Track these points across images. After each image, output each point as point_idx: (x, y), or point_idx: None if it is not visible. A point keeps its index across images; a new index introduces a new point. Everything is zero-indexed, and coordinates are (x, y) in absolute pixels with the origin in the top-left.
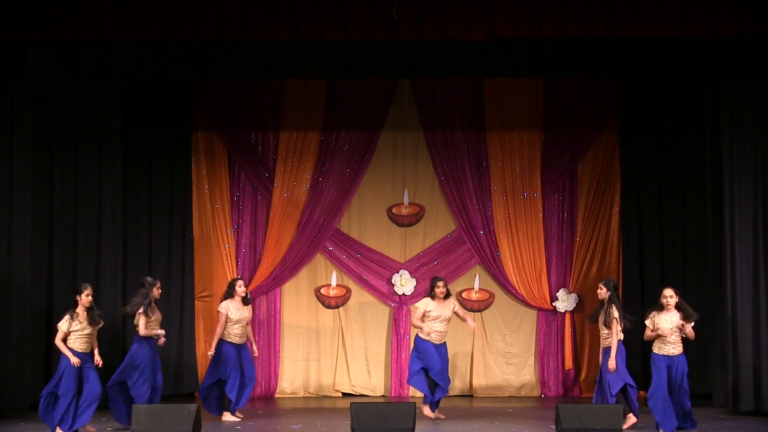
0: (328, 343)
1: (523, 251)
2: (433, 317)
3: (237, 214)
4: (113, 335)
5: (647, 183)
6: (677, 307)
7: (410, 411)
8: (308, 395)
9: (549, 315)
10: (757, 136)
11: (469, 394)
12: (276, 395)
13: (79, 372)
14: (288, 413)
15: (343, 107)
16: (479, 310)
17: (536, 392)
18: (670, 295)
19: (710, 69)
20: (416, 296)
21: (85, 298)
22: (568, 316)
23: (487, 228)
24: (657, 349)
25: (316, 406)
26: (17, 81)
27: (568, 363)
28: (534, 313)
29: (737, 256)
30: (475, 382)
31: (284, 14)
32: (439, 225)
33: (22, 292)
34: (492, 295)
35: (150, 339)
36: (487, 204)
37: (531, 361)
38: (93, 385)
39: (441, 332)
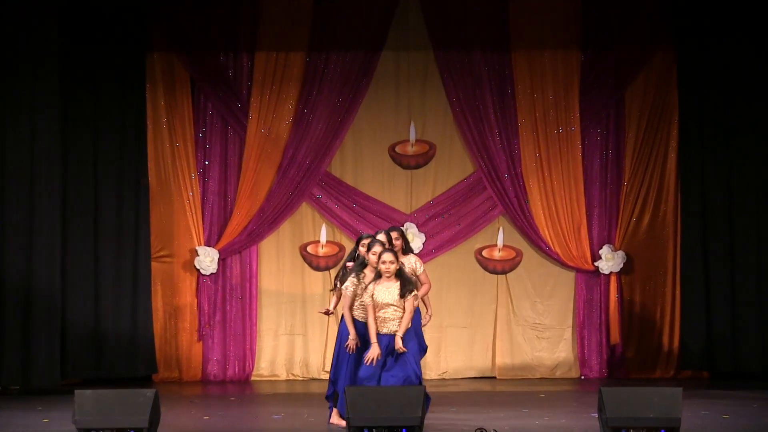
0: (317, 314)
1: (557, 199)
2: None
3: (203, 155)
4: (49, 304)
5: (711, 113)
6: (396, 275)
7: (418, 397)
8: (292, 377)
9: (590, 277)
10: None
11: (490, 376)
12: (252, 378)
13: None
14: (267, 400)
15: (335, 22)
16: (503, 272)
17: (574, 373)
18: (390, 260)
19: None
20: (425, 255)
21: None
22: (613, 278)
23: (513, 170)
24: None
25: (302, 390)
26: None
27: (614, 337)
28: (571, 275)
29: None
30: (499, 361)
31: None
32: (454, 167)
33: None
34: (519, 254)
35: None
36: (513, 141)
37: (568, 334)
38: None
39: None
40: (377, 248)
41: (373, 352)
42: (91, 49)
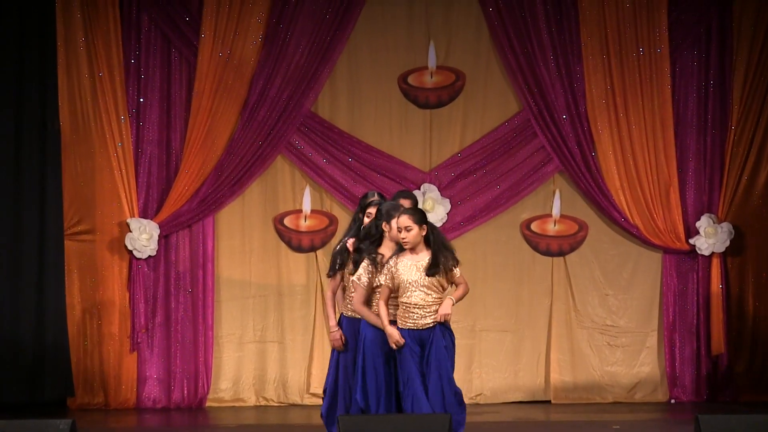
0: (299, 313)
1: (637, 150)
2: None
3: (136, 89)
4: None
5: None
6: (426, 243)
7: (443, 427)
8: (264, 403)
9: (684, 260)
10: None
11: (544, 400)
12: (208, 403)
13: None
14: None
15: None
16: (560, 254)
17: (661, 395)
18: (406, 225)
19: None
20: (451, 230)
21: None
22: (716, 261)
23: (574, 109)
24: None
25: (277, 421)
26: None
27: (718, 344)
28: (657, 257)
29: None
30: (555, 379)
31: None
32: (490, 105)
33: None
34: (583, 227)
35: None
36: (575, 68)
37: (652, 341)
38: None
39: None
40: (400, 220)
41: (393, 334)
42: None
